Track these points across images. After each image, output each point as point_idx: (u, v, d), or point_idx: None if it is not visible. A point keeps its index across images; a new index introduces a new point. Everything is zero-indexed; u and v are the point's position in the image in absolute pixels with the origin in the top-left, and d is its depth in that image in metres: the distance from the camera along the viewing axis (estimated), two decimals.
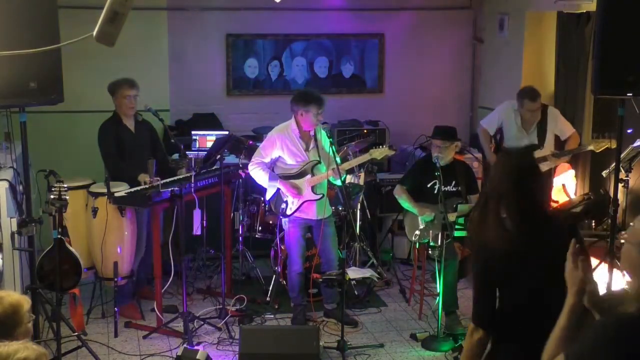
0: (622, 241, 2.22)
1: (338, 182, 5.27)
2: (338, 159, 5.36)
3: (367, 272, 5.25)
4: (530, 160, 2.99)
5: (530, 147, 6.03)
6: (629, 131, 5.57)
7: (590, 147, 5.87)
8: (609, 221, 5.18)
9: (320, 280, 5.28)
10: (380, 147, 5.49)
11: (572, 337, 2.24)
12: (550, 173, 6.29)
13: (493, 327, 2.87)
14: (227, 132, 6.64)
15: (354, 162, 5.55)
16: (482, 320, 2.88)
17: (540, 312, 2.73)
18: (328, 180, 5.48)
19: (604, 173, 5.87)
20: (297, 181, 5.38)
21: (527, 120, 6.12)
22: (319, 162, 5.39)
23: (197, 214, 5.55)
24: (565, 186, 6.94)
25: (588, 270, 2.31)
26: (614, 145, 5.57)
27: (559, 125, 6.14)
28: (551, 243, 2.76)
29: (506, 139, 6.35)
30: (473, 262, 2.94)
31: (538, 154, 6.00)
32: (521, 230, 2.77)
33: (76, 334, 4.69)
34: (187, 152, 5.98)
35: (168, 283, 5.49)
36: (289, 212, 5.38)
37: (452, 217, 5.16)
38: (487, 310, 2.87)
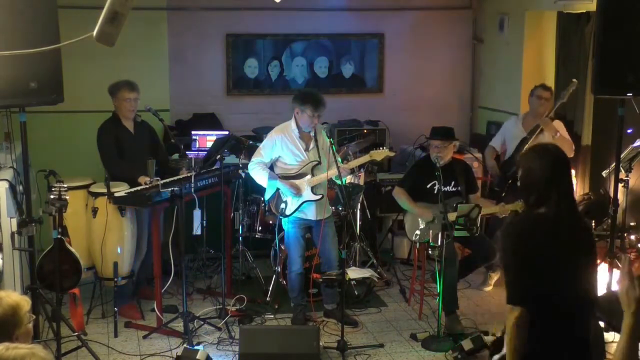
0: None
1: (342, 180, 5.29)
2: (339, 159, 5.37)
3: (367, 272, 5.25)
4: (563, 153, 3.15)
5: (522, 141, 6.04)
6: (629, 131, 5.57)
7: (562, 101, 5.88)
8: (609, 221, 5.19)
9: (320, 280, 5.29)
10: (381, 148, 5.50)
11: (634, 357, 2.22)
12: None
13: (529, 304, 2.93)
14: (227, 132, 6.64)
15: (354, 163, 5.55)
16: (518, 298, 2.93)
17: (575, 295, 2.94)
18: (328, 180, 5.48)
19: (604, 173, 5.86)
20: (296, 181, 5.38)
21: (534, 113, 6.05)
22: (319, 163, 5.39)
23: (197, 214, 5.55)
24: None
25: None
26: (576, 85, 5.77)
27: (561, 131, 6.10)
28: (580, 236, 3.01)
29: (508, 144, 6.31)
30: (509, 252, 3.01)
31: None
32: (562, 219, 2.95)
33: (76, 334, 4.69)
34: (187, 152, 5.98)
35: (168, 283, 5.49)
36: (288, 212, 5.38)
37: (452, 216, 5.16)
38: (524, 289, 2.93)
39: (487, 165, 6.49)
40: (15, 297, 2.59)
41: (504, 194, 6.08)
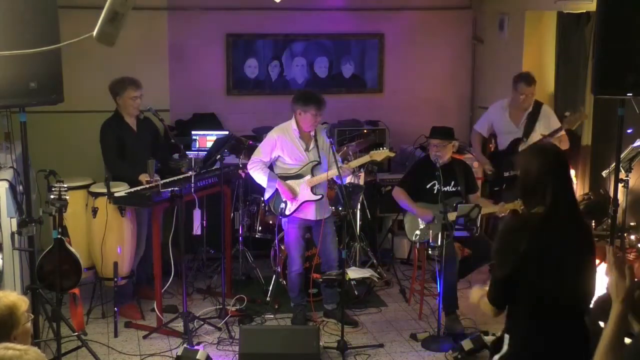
0: None
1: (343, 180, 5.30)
2: (339, 159, 5.37)
3: (367, 272, 5.25)
4: (561, 152, 3.20)
5: (515, 142, 6.05)
6: (629, 131, 5.56)
7: (566, 127, 5.90)
8: (609, 221, 5.18)
9: (320, 280, 5.29)
10: (381, 148, 5.51)
11: (620, 346, 2.23)
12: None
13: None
14: (227, 132, 6.64)
15: (354, 164, 5.55)
16: (494, 299, 3.05)
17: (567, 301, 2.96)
18: (328, 180, 5.48)
19: (604, 173, 5.86)
20: (294, 182, 5.38)
21: (518, 106, 6.09)
22: (319, 163, 5.39)
23: (197, 214, 5.55)
24: None
25: (634, 278, 2.30)
26: (586, 118, 5.81)
27: (551, 124, 6.11)
28: (580, 235, 3.01)
29: (498, 136, 6.36)
30: (495, 250, 3.04)
31: (522, 146, 5.99)
32: (557, 219, 2.93)
33: (76, 334, 4.69)
34: (187, 152, 5.98)
35: (168, 283, 5.49)
36: (287, 212, 5.38)
37: (452, 216, 5.16)
38: (501, 292, 3.02)
39: (476, 153, 6.48)
40: (12, 298, 2.58)
41: (497, 189, 6.10)
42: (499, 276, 3.00)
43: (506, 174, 6.10)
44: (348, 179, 5.84)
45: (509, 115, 6.19)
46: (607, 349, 2.23)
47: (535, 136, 5.96)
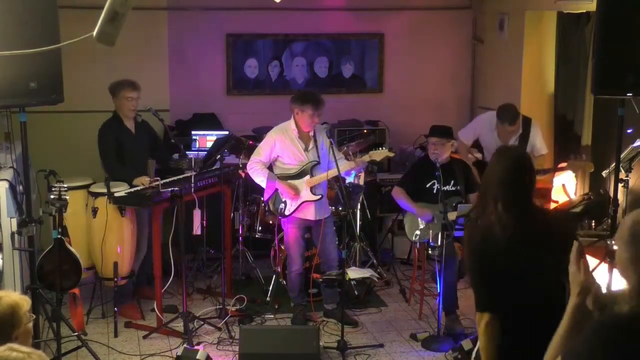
0: (615, 246, 2.24)
1: (350, 178, 5.27)
2: (341, 158, 5.38)
3: (367, 272, 5.26)
4: (526, 157, 3.14)
5: None
6: (629, 131, 5.56)
7: (565, 167, 5.93)
8: (609, 221, 5.18)
9: (320, 280, 5.29)
10: (380, 148, 5.51)
11: (574, 337, 2.26)
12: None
13: (497, 309, 2.91)
14: (227, 132, 6.64)
15: (359, 161, 5.55)
16: (483, 304, 2.94)
17: (538, 302, 2.87)
18: (328, 180, 5.49)
19: (604, 173, 5.86)
20: (295, 182, 5.38)
21: (503, 138, 6.06)
22: (318, 163, 5.39)
23: (197, 214, 5.55)
24: (565, 186, 6.94)
25: (588, 271, 2.34)
26: (590, 169, 5.80)
27: (537, 142, 6.09)
28: (543, 235, 2.94)
29: (486, 152, 6.31)
30: (469, 257, 3.00)
31: None
32: (518, 222, 2.89)
33: (76, 334, 4.69)
34: (187, 152, 5.98)
35: (168, 283, 5.49)
36: (287, 212, 5.38)
37: (452, 216, 5.16)
38: (488, 295, 2.94)
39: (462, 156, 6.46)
40: (14, 297, 2.57)
41: None
42: (477, 279, 2.96)
43: None
44: (347, 179, 5.85)
45: (498, 134, 6.13)
46: (562, 338, 2.28)
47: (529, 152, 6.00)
